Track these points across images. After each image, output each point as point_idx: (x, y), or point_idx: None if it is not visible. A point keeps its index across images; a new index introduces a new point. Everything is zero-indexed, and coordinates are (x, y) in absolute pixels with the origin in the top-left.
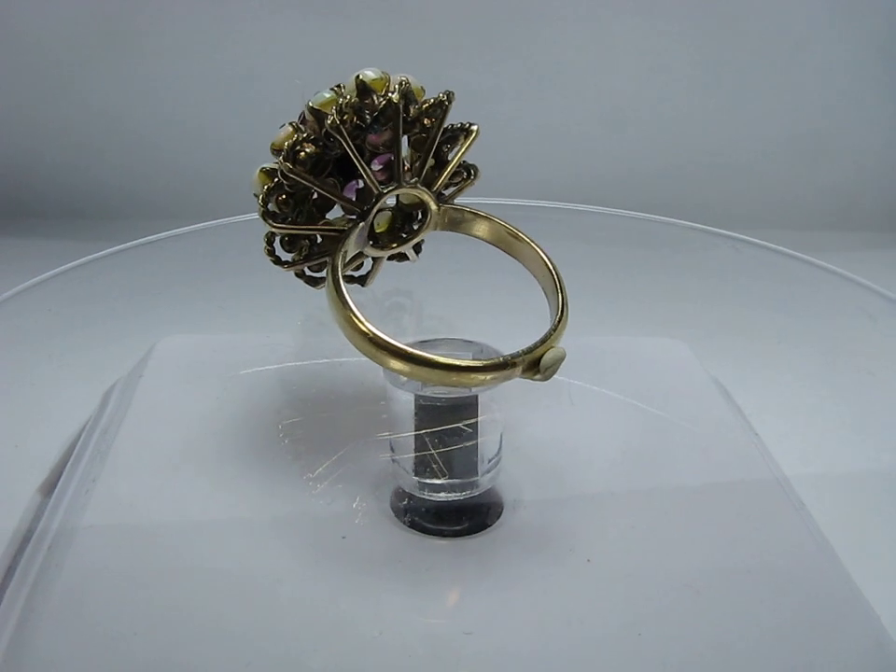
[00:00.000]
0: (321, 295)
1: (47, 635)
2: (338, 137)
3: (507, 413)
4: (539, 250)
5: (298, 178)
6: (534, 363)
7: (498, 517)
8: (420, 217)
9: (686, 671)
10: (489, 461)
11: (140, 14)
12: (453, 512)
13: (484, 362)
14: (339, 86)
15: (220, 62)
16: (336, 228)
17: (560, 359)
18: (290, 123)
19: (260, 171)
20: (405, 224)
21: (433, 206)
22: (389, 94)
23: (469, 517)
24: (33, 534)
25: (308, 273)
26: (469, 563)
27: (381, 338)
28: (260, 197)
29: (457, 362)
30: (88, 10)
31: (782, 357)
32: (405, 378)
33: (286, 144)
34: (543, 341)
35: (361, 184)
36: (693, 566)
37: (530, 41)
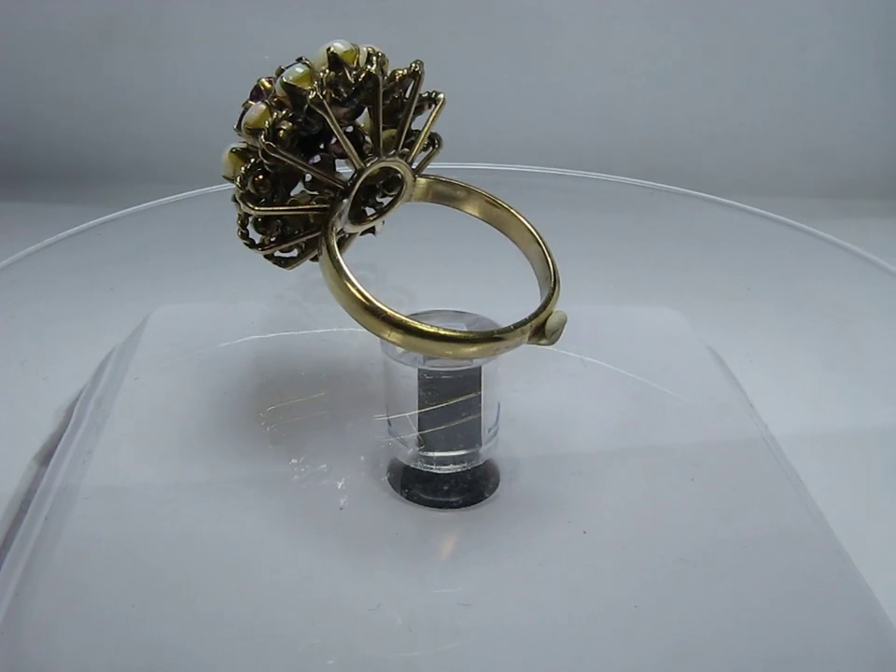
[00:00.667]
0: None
1: (44, 601)
2: (321, 113)
3: (503, 385)
4: (522, 219)
5: (280, 157)
6: (539, 329)
7: (495, 488)
8: (384, 189)
9: (682, 643)
10: (488, 431)
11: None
12: (451, 484)
13: (496, 331)
14: (303, 59)
15: (223, 29)
16: (316, 207)
17: (563, 322)
18: (263, 102)
19: (231, 152)
20: (368, 198)
21: (409, 178)
22: (368, 67)
23: (467, 489)
24: (29, 503)
25: (278, 254)
26: (466, 534)
27: (400, 318)
28: (238, 178)
29: (473, 334)
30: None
31: (778, 325)
32: (401, 350)
33: (265, 122)
34: (544, 306)
35: (318, 158)
36: (687, 538)
37: (525, 17)
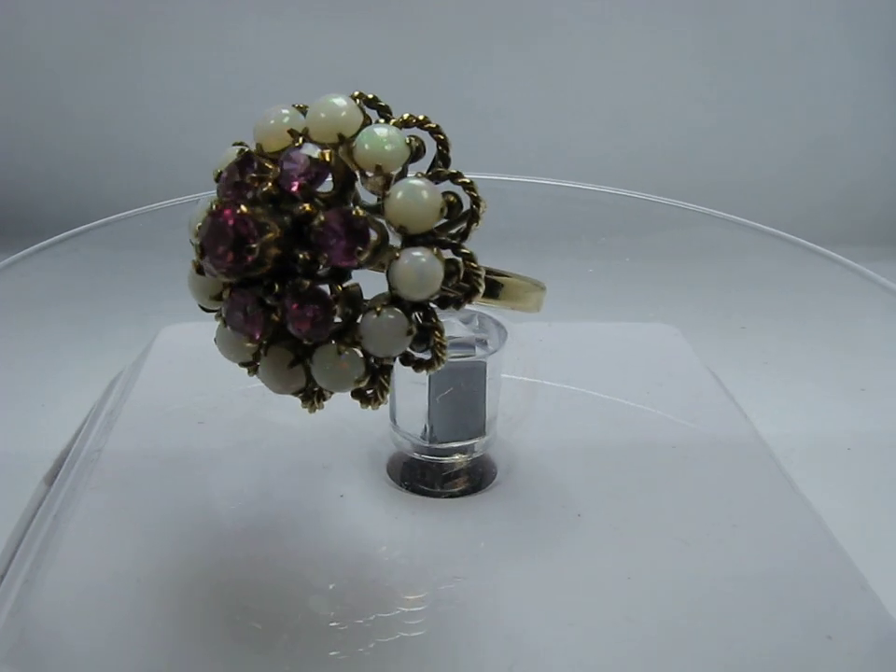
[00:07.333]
0: None
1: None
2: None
3: (504, 386)
4: None
5: None
6: None
7: (493, 479)
8: None
9: (674, 613)
10: (486, 427)
11: (131, 25)
12: (450, 476)
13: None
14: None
15: (217, 68)
16: None
17: None
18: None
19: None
20: None
21: None
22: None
23: (466, 480)
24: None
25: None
26: (466, 521)
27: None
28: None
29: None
30: (78, 22)
31: (775, 344)
32: None
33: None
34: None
35: None
36: (679, 519)
37: (534, 42)
